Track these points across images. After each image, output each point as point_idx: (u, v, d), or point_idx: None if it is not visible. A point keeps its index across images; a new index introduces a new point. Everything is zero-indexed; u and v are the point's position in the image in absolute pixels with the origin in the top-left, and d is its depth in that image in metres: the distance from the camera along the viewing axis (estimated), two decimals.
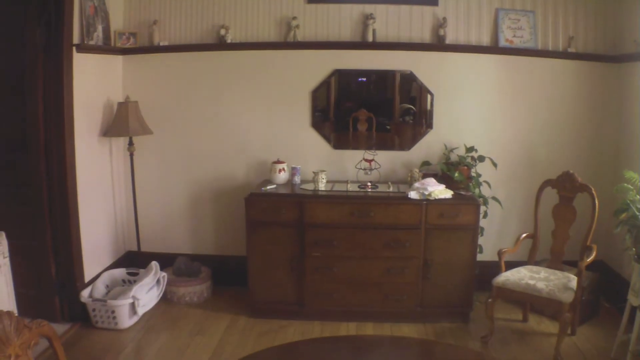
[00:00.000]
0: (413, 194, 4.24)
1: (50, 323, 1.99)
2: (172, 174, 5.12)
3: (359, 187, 4.51)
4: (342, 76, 4.86)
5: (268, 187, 4.51)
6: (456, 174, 4.43)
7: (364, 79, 4.91)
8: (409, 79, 4.82)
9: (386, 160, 4.83)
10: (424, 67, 4.81)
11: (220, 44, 4.84)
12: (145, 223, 5.12)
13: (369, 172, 4.61)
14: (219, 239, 5.17)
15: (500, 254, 4.16)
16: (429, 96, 4.80)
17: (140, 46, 4.97)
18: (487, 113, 4.86)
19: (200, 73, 4.95)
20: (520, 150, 4.91)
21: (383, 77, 4.94)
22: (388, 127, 4.92)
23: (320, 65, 4.84)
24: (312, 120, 4.90)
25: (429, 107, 4.82)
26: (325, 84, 4.84)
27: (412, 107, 4.85)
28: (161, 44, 4.95)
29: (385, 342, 3.14)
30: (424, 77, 4.80)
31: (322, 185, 4.49)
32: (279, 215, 4.30)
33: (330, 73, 4.83)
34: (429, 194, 4.21)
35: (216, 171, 5.06)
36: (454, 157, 4.75)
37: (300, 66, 4.86)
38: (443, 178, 4.60)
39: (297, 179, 4.72)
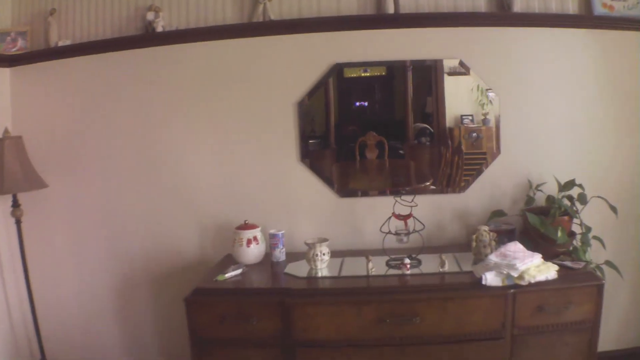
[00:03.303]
0: (491, 278, 2.22)
1: None
2: (85, 248, 3.09)
3: (388, 264, 2.48)
4: (345, 78, 2.86)
5: (228, 274, 2.48)
6: (559, 233, 2.44)
7: (376, 110, 2.99)
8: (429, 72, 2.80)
9: (425, 208, 2.78)
10: (481, 52, 2.80)
11: (148, 36, 2.90)
12: (51, 323, 3.13)
13: (405, 239, 2.55)
14: (165, 346, 3.11)
15: None
16: (489, 100, 2.83)
17: (33, 50, 3.04)
18: (581, 124, 2.84)
19: (121, 84, 2.96)
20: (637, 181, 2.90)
21: (398, 73, 2.87)
22: (401, 151, 2.93)
23: (309, 59, 2.84)
24: (300, 150, 2.88)
25: (491, 118, 2.85)
26: (320, 89, 2.83)
27: (427, 126, 2.89)
28: (61, 43, 3.03)
29: None
30: (481, 68, 2.78)
31: (322, 266, 2.47)
32: (247, 328, 2.27)
33: (326, 71, 2.82)
34: (520, 276, 2.23)
35: (153, 242, 3.03)
36: (538, 199, 2.76)
37: (277, 62, 2.85)
38: (526, 235, 2.62)
39: (279, 255, 2.70)
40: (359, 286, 2.31)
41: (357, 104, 3.00)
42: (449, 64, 2.78)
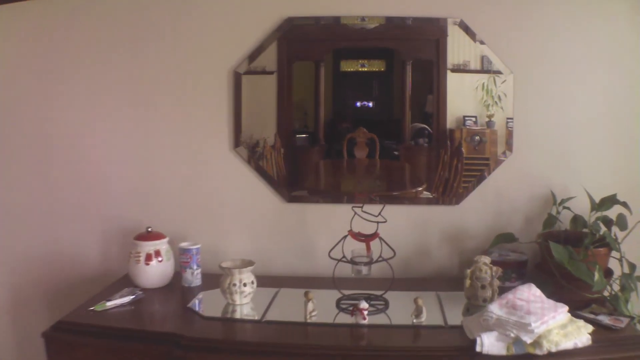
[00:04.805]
0: (490, 343, 1.34)
1: None
2: None
3: (338, 306, 1.63)
4: (341, 72, 2.14)
5: (111, 302, 1.64)
6: (596, 276, 1.60)
7: (373, 107, 2.20)
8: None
9: (406, 223, 1.98)
10: (490, 12, 1.92)
11: None
12: None
13: (365, 271, 1.64)
14: None
15: None
16: (494, 101, 2.01)
17: None
18: (622, 120, 1.94)
19: (14, 47, 2.08)
20: None
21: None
22: (396, 152, 2.18)
23: (252, 11, 1.97)
24: (234, 136, 2.01)
25: (496, 120, 2.00)
26: (266, 50, 1.97)
27: (426, 126, 2.06)
28: None
29: None
30: (490, 35, 1.93)
31: (242, 301, 1.63)
32: None
33: (274, 28, 1.95)
34: (537, 341, 1.37)
35: (48, 248, 2.16)
36: (564, 219, 1.88)
37: (210, 15, 1.97)
38: (542, 271, 1.78)
39: (191, 278, 1.84)
40: (285, 341, 1.43)
41: (352, 99, 2.25)
42: (452, 60, 2.00)
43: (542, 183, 1.96)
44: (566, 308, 1.50)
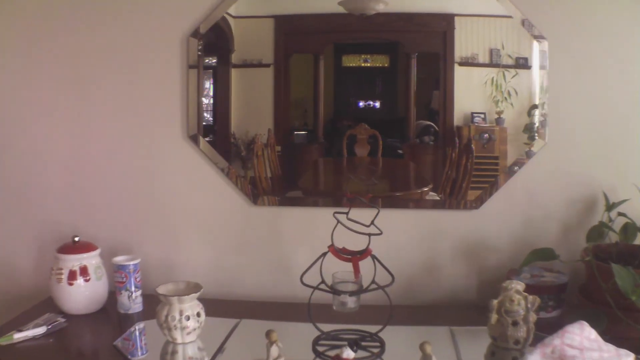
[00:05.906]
0: None
1: None
2: None
3: (315, 349, 1.15)
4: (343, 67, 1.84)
5: (20, 334, 1.20)
6: None
7: (376, 104, 1.86)
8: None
9: (410, 232, 1.53)
10: None
11: None
12: None
13: (352, 303, 1.15)
14: None
15: None
16: (510, 75, 1.58)
17: None
18: None
19: None
20: None
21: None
22: (400, 151, 1.84)
23: None
24: (188, 121, 1.56)
25: (532, 81, 1.57)
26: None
27: (432, 124, 1.68)
28: None
29: None
30: None
31: (185, 339, 1.15)
32: None
33: None
34: None
35: None
36: (616, 225, 1.38)
37: None
38: (588, 297, 1.33)
39: (128, 303, 1.38)
40: None
41: (355, 97, 1.91)
42: (460, 53, 1.62)
43: (583, 182, 1.49)
44: (632, 357, 1.06)
